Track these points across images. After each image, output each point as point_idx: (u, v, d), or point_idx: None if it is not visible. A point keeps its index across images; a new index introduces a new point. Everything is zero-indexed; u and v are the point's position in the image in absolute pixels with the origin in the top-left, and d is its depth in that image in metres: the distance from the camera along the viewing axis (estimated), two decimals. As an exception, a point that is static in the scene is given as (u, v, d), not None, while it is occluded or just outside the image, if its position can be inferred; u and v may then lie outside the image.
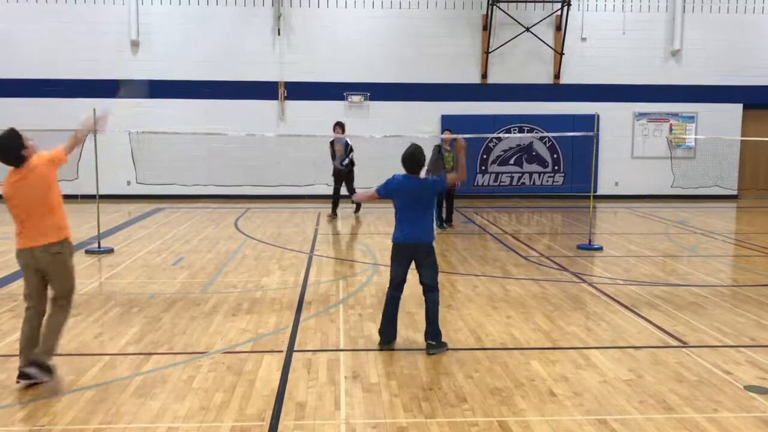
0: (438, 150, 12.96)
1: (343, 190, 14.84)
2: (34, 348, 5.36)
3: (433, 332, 6.21)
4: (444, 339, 6.34)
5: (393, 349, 6.24)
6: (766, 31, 19.48)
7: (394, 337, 6.38)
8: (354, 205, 15.22)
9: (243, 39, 18.60)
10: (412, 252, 6.24)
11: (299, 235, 12.87)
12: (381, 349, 6.24)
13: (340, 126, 14.69)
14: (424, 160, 6.34)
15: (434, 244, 6.35)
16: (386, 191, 6.29)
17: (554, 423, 4.77)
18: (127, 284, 8.84)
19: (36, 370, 5.29)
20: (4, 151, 5.29)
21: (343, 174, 14.69)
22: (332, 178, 14.93)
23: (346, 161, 14.56)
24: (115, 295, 8.21)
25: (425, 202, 6.25)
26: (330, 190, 15.08)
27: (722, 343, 6.53)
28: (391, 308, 6.34)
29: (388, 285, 6.41)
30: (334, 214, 14.96)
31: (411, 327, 6.91)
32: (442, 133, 14.55)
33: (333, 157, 14.80)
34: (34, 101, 17.98)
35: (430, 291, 6.25)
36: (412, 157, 6.19)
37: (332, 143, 14.74)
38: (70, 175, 12.35)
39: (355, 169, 14.72)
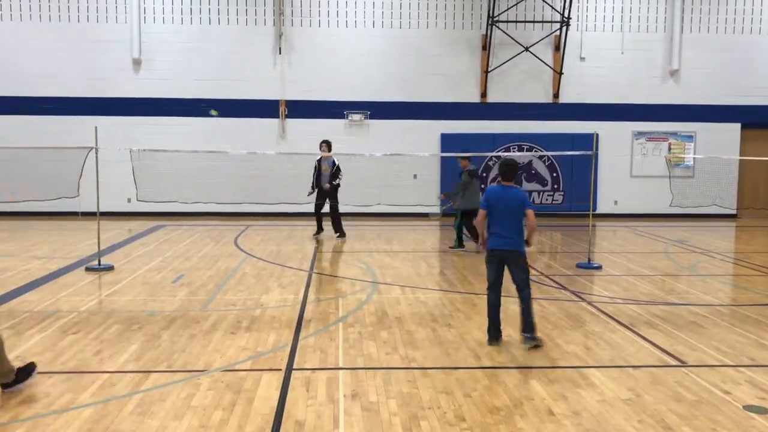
0: (470, 174, 12.94)
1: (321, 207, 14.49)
2: None
3: (527, 325, 6.81)
4: (443, 357, 6.34)
5: (392, 368, 6.24)
6: (764, 51, 19.62)
7: (499, 336, 6.92)
8: (338, 232, 14.60)
9: (244, 58, 18.72)
10: (502, 257, 6.87)
11: (299, 252, 12.88)
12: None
13: (326, 144, 14.26)
14: (517, 169, 7.05)
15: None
16: (486, 202, 6.89)
17: (553, 442, 4.77)
18: (127, 302, 8.85)
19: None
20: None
21: (328, 192, 14.24)
22: (314, 195, 14.47)
23: (337, 182, 14.20)
24: (115, 313, 8.21)
25: (513, 212, 6.78)
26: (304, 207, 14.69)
27: (721, 362, 6.54)
28: (491, 309, 6.97)
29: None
30: (319, 232, 14.72)
31: (410, 345, 6.92)
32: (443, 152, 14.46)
33: (317, 176, 14.35)
34: (35, 119, 18.10)
35: (521, 290, 6.88)
36: (506, 165, 6.95)
37: (319, 162, 14.33)
38: (71, 192, 12.38)
39: (342, 185, 14.35)
